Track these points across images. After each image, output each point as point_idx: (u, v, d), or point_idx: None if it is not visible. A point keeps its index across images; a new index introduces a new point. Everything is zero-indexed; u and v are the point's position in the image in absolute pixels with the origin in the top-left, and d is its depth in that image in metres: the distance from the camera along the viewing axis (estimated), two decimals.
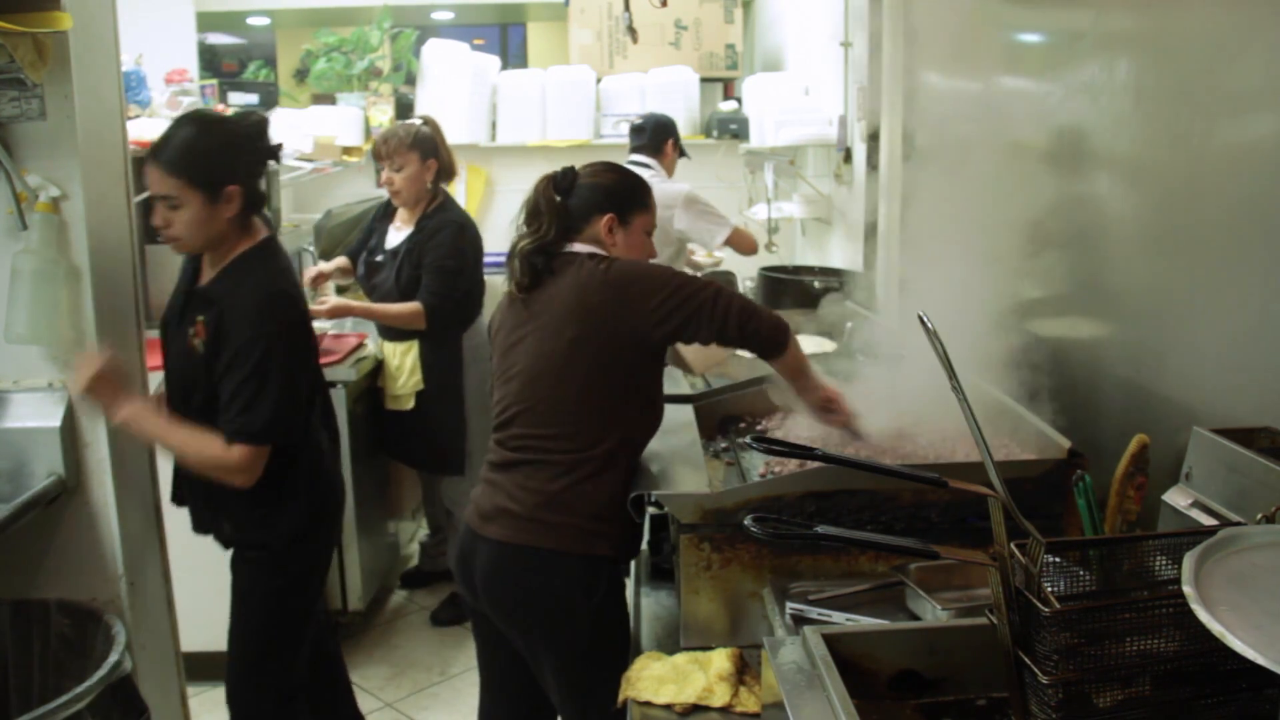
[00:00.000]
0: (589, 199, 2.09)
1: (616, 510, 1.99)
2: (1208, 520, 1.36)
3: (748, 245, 4.24)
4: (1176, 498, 1.43)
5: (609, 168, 2.17)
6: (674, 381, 2.51)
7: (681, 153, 4.35)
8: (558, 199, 2.09)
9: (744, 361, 2.95)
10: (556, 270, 2.06)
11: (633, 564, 2.17)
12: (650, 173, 4.06)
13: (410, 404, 3.64)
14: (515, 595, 2.02)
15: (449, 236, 3.52)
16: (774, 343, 2.02)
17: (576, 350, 1.99)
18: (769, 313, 2.02)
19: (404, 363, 3.62)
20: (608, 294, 1.98)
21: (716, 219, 4.13)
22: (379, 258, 3.66)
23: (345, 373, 3.52)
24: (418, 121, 3.66)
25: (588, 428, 1.98)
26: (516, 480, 2.01)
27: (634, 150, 4.26)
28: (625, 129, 5.48)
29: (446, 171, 3.68)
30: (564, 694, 2.05)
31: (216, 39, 7.15)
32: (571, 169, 2.13)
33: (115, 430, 2.35)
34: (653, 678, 1.61)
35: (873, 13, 3.47)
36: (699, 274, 3.72)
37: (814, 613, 1.55)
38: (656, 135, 4.22)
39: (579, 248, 2.07)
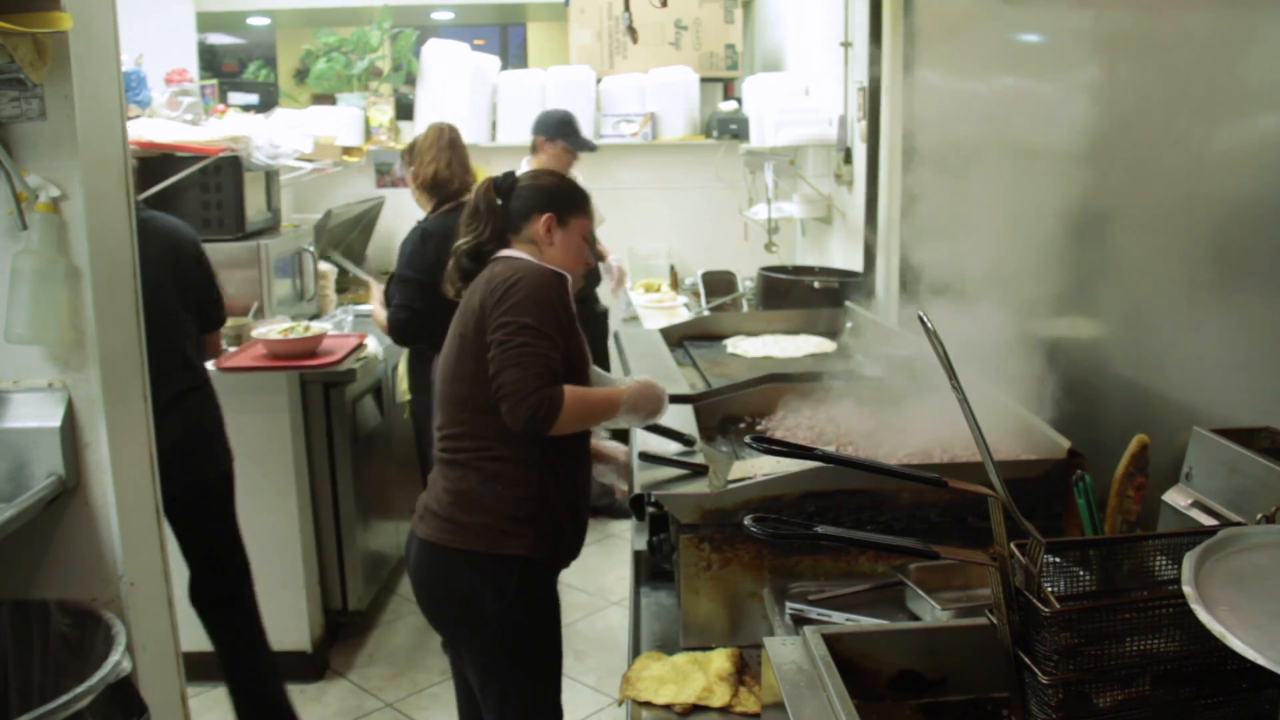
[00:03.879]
0: (528, 199, 2.13)
1: (538, 510, 2.00)
2: (1208, 520, 1.35)
3: None
4: (1176, 498, 1.43)
5: (550, 173, 2.26)
6: (674, 381, 2.51)
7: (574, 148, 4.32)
8: (498, 201, 2.14)
9: (744, 361, 2.95)
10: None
11: (632, 564, 2.17)
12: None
13: (407, 413, 3.61)
14: (433, 594, 2.07)
15: (406, 247, 3.37)
16: (527, 429, 1.93)
17: (462, 348, 2.03)
18: (534, 404, 1.90)
19: (402, 369, 3.60)
20: (483, 296, 2.01)
21: None
22: None
23: (345, 373, 3.51)
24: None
25: (483, 426, 2.00)
26: (439, 480, 2.07)
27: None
28: (625, 129, 5.49)
29: (422, 179, 3.46)
30: (481, 693, 2.07)
31: (216, 39, 7.15)
32: (512, 173, 2.19)
33: (115, 430, 2.35)
34: (653, 678, 1.61)
35: (873, 13, 3.47)
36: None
37: (814, 613, 1.55)
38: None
39: (508, 251, 2.12)
